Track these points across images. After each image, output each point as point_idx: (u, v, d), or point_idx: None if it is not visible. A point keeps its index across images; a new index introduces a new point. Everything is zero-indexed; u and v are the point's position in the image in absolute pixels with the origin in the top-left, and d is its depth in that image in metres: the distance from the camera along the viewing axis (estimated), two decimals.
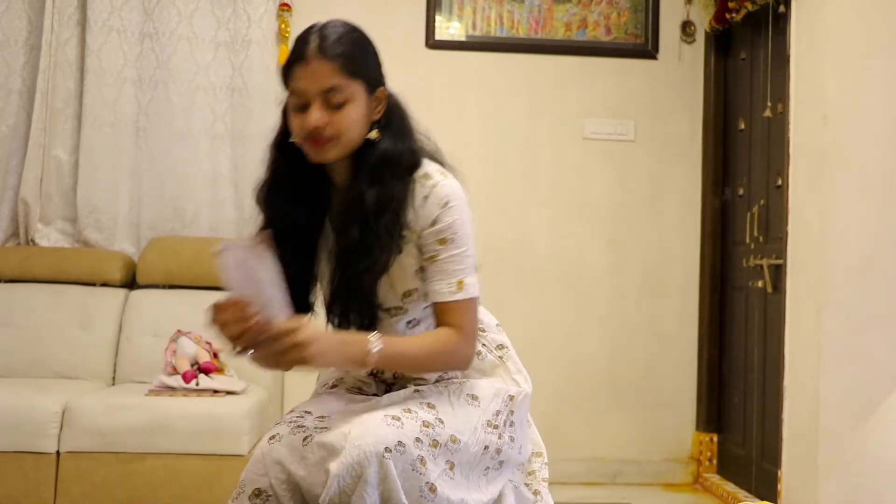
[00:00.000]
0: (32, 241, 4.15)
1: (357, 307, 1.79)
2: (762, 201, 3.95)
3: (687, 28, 4.49)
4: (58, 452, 3.28)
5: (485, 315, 1.97)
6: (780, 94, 3.67)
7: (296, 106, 1.75)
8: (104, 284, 4.06)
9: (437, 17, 4.40)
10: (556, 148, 4.44)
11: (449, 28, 4.43)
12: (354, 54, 1.75)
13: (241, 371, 3.77)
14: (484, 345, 1.93)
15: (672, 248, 4.48)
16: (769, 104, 3.83)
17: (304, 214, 1.82)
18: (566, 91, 4.46)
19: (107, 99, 4.17)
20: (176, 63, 4.23)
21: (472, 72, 4.38)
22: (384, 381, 1.90)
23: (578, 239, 4.45)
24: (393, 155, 1.77)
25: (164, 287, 4.10)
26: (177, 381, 3.46)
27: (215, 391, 3.47)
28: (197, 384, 3.46)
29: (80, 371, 3.83)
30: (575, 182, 4.43)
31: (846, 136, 3.18)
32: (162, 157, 4.23)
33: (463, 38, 4.43)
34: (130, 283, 4.15)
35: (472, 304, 1.79)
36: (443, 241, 1.76)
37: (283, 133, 1.84)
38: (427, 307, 1.86)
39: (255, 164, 4.35)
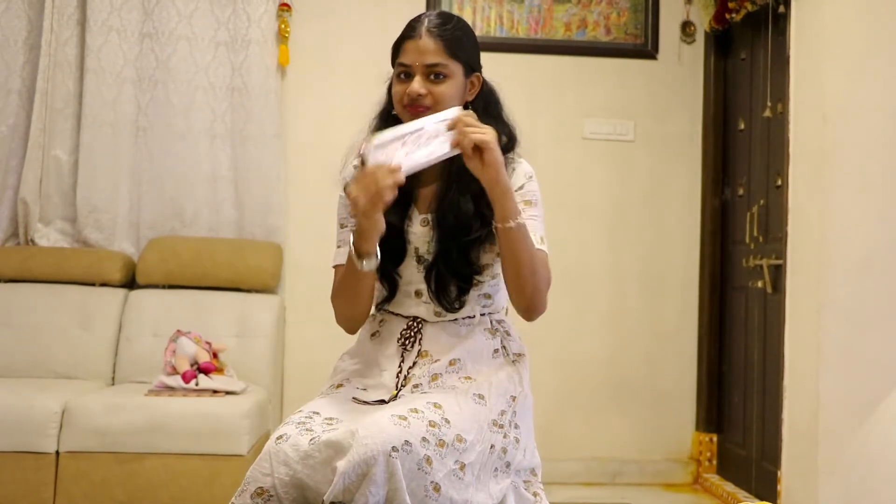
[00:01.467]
0: (32, 241, 4.15)
1: (458, 275, 1.91)
2: (762, 201, 3.95)
3: (687, 28, 4.49)
4: (57, 452, 3.28)
5: (512, 325, 2.05)
6: (780, 94, 3.67)
7: (400, 76, 1.93)
8: (104, 284, 4.06)
9: None
10: (556, 148, 4.44)
11: None
12: (458, 38, 1.94)
13: (241, 371, 3.77)
14: (504, 346, 1.99)
15: (672, 248, 4.48)
16: (769, 104, 3.83)
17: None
18: (566, 91, 4.46)
19: (106, 99, 4.17)
20: (175, 63, 4.23)
21: None
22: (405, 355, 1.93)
23: (578, 239, 4.45)
24: (497, 133, 1.88)
25: (163, 287, 4.10)
26: (176, 381, 3.46)
27: (215, 391, 3.47)
28: (196, 384, 3.46)
29: (79, 371, 3.83)
30: (574, 182, 4.43)
31: (846, 135, 3.18)
32: (161, 157, 4.23)
33: None
34: (130, 283, 4.15)
35: (547, 259, 1.91)
36: (528, 203, 1.92)
37: (387, 106, 2.04)
38: (495, 282, 1.97)
39: (255, 163, 4.40)
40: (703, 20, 4.42)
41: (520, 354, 2.01)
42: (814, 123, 3.27)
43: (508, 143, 1.99)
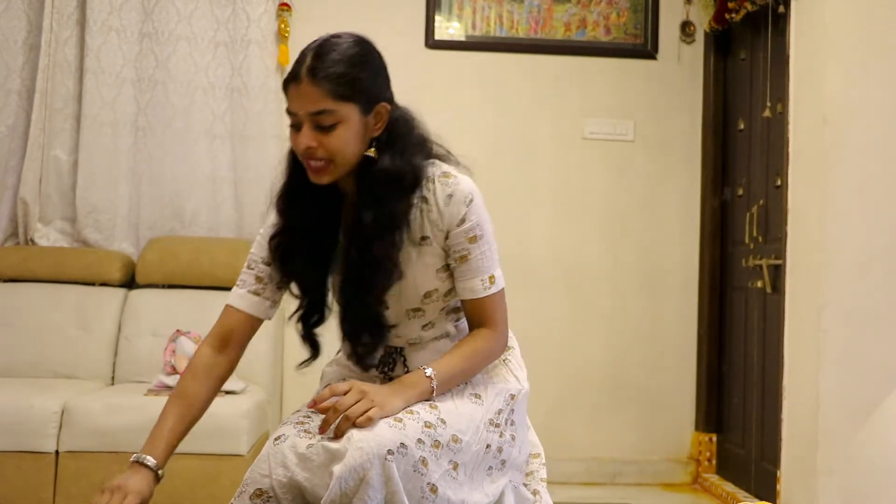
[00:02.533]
0: (32, 240, 4.15)
1: (366, 327, 1.82)
2: (761, 201, 3.95)
3: (686, 28, 4.49)
4: (57, 452, 3.27)
5: None
6: (780, 94, 3.67)
7: (291, 125, 1.75)
8: (103, 284, 4.06)
9: (437, 17, 4.40)
10: (556, 148, 4.44)
11: (448, 28, 4.43)
12: (348, 76, 1.70)
13: (240, 371, 3.76)
14: None
15: (671, 248, 4.48)
16: (769, 104, 3.83)
17: (317, 222, 1.84)
18: (566, 91, 4.46)
19: (106, 99, 4.17)
20: (175, 63, 4.23)
21: (472, 72, 4.38)
22: (391, 378, 1.89)
23: (578, 239, 4.45)
24: (392, 173, 1.75)
25: (163, 287, 4.10)
26: (176, 380, 3.45)
27: None
28: None
29: (79, 371, 3.83)
30: (574, 182, 4.43)
31: (845, 136, 3.18)
32: (161, 157, 4.23)
33: (462, 38, 4.43)
34: (129, 283, 4.15)
35: (502, 295, 1.86)
36: (472, 239, 1.79)
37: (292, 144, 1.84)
38: (443, 310, 1.88)
39: (254, 163, 4.39)
40: (702, 20, 4.42)
41: (510, 348, 1.99)
42: (813, 124, 3.27)
43: (413, 179, 1.77)
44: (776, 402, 3.54)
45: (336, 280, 1.88)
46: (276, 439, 1.71)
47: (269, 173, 4.22)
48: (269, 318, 1.94)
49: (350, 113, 1.71)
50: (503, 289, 1.86)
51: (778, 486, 3.46)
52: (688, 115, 4.49)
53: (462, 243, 1.79)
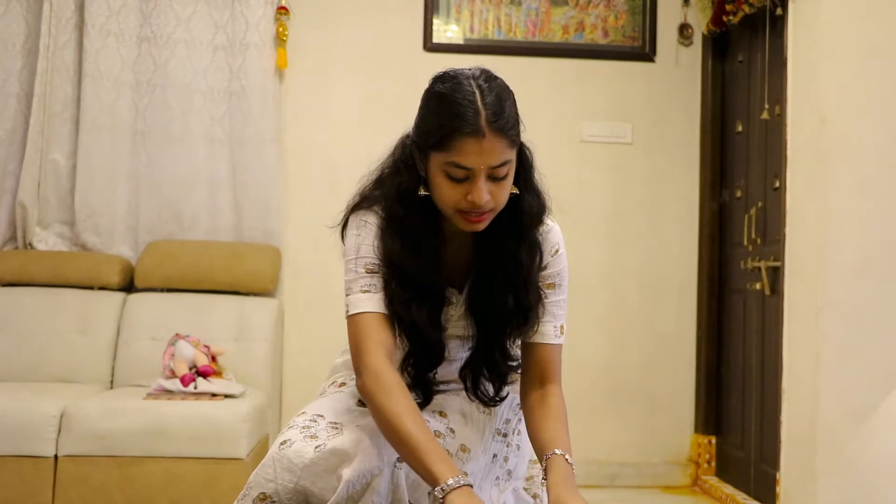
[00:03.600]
0: (30, 244, 4.15)
1: (495, 368, 1.79)
2: (760, 204, 3.95)
3: (684, 31, 4.49)
4: (56, 456, 3.27)
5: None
6: (778, 96, 3.68)
7: (452, 177, 1.61)
8: (102, 288, 4.05)
9: (435, 20, 4.41)
10: (554, 150, 4.44)
11: (447, 31, 4.44)
12: (517, 123, 1.66)
13: (240, 374, 3.77)
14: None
15: (670, 250, 4.48)
16: (767, 106, 3.83)
17: (435, 270, 1.73)
18: (564, 94, 4.47)
19: (104, 103, 4.17)
20: (174, 67, 4.23)
21: None
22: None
23: (576, 241, 4.44)
24: (537, 210, 1.75)
25: (162, 291, 4.10)
26: (175, 384, 3.46)
27: (213, 395, 3.46)
28: (195, 388, 3.45)
29: (78, 375, 3.83)
30: (573, 185, 4.43)
31: (844, 138, 3.19)
32: (160, 161, 4.22)
33: (461, 42, 4.44)
34: (128, 287, 4.15)
35: (562, 349, 1.81)
36: (551, 286, 1.78)
37: (405, 181, 1.71)
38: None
39: (253, 167, 4.40)
40: (700, 23, 4.43)
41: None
42: (811, 126, 3.27)
43: (538, 213, 1.76)
44: (775, 404, 3.54)
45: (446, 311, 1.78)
46: (281, 444, 1.67)
47: (268, 177, 4.24)
48: None
49: (514, 158, 1.66)
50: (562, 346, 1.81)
51: (777, 488, 3.46)
52: (686, 118, 4.50)
53: (542, 287, 1.77)
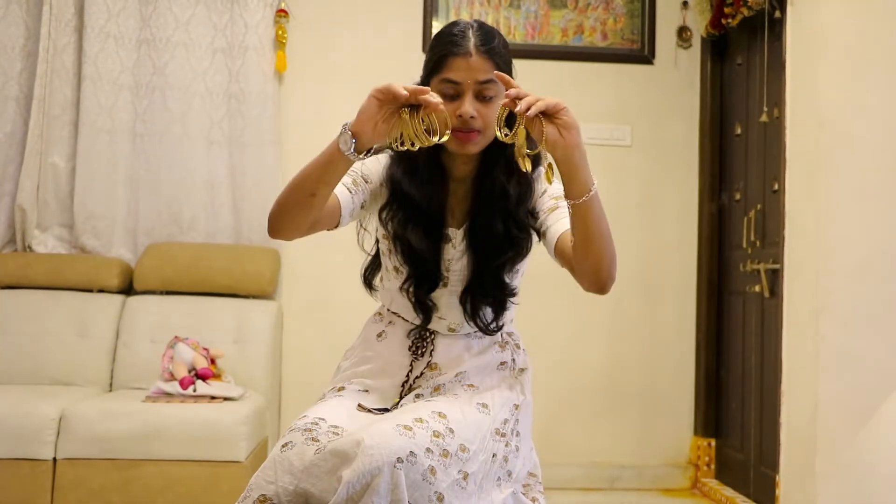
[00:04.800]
0: (29, 247, 4.15)
1: (492, 294, 1.91)
2: (759, 206, 3.95)
3: (683, 33, 4.50)
4: (54, 459, 3.27)
5: (520, 337, 2.06)
6: (777, 98, 3.68)
7: (445, 94, 1.81)
8: (101, 291, 4.05)
9: (434, 23, 4.41)
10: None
11: None
12: (505, 55, 1.87)
13: (239, 377, 3.77)
14: (514, 359, 2.00)
15: (669, 253, 4.48)
16: (765, 109, 3.84)
17: (438, 199, 1.90)
18: (562, 96, 4.35)
19: (104, 105, 4.17)
20: (173, 69, 4.23)
21: None
22: (408, 380, 1.93)
23: None
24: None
25: (161, 293, 4.10)
26: (174, 387, 3.45)
27: (212, 397, 3.46)
28: (194, 390, 3.45)
29: (76, 377, 3.83)
30: None
31: (842, 140, 3.19)
32: (159, 164, 4.22)
33: None
34: (127, 290, 4.14)
35: None
36: (558, 197, 1.91)
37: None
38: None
39: (252, 170, 4.39)
40: (699, 25, 4.43)
41: (524, 369, 2.01)
42: (810, 128, 3.28)
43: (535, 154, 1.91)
44: (775, 407, 3.54)
45: (446, 248, 1.92)
46: (283, 446, 1.70)
47: (267, 179, 4.25)
48: (335, 228, 1.90)
49: (500, 91, 1.81)
50: None
51: (777, 491, 3.46)
52: (685, 120, 4.50)
53: (547, 201, 1.91)
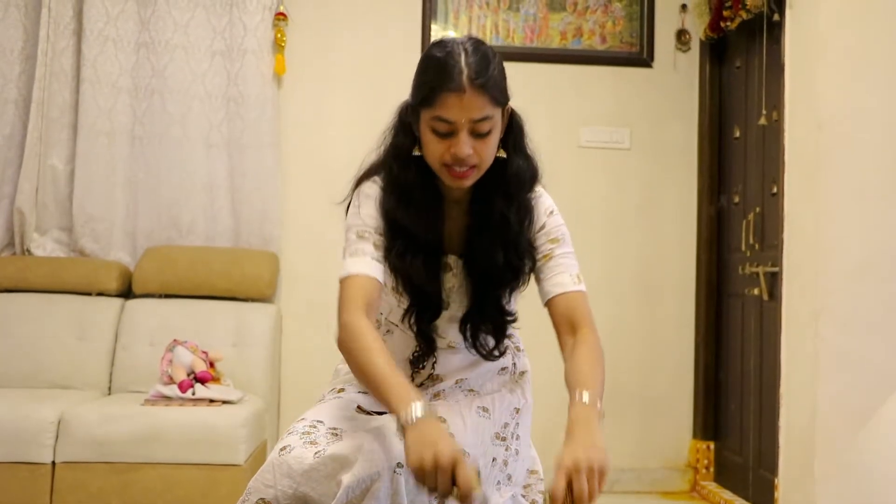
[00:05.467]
0: (28, 250, 4.15)
1: (492, 321, 1.86)
2: (758, 209, 3.95)
3: (682, 36, 4.50)
4: (53, 463, 3.27)
5: (521, 339, 2.05)
6: (776, 101, 3.68)
7: (437, 131, 1.72)
8: (100, 294, 4.05)
9: (433, 26, 4.41)
10: (552, 156, 4.37)
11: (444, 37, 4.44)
12: (500, 83, 1.76)
13: (238, 380, 3.76)
14: (514, 363, 1.99)
15: (668, 255, 4.48)
16: (764, 112, 3.84)
17: (434, 226, 1.83)
18: (562, 99, 4.47)
19: (102, 108, 4.17)
20: (172, 72, 4.23)
21: None
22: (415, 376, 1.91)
23: (575, 247, 4.43)
24: (525, 173, 1.84)
25: (160, 296, 4.09)
26: (173, 390, 3.45)
27: (211, 401, 3.46)
28: (193, 394, 3.45)
29: (75, 381, 3.82)
30: (571, 190, 4.43)
31: (841, 143, 3.19)
32: (158, 167, 4.22)
33: None
34: (126, 293, 4.14)
35: (587, 297, 1.84)
36: (554, 241, 1.86)
37: (406, 144, 1.81)
38: None
39: (251, 172, 4.39)
40: (698, 28, 4.44)
41: (524, 372, 2.01)
42: (809, 131, 3.28)
43: (534, 177, 1.88)
44: (774, 410, 3.54)
45: (447, 276, 1.86)
46: (281, 450, 1.69)
47: (266, 182, 4.25)
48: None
49: (498, 118, 1.76)
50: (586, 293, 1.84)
51: (776, 494, 3.46)
52: (684, 123, 4.50)
53: (545, 244, 1.86)
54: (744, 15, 3.94)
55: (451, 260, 1.86)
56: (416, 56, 4.54)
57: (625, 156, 4.48)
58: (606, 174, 4.48)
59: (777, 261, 3.57)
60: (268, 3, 4.27)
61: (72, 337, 3.90)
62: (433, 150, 1.74)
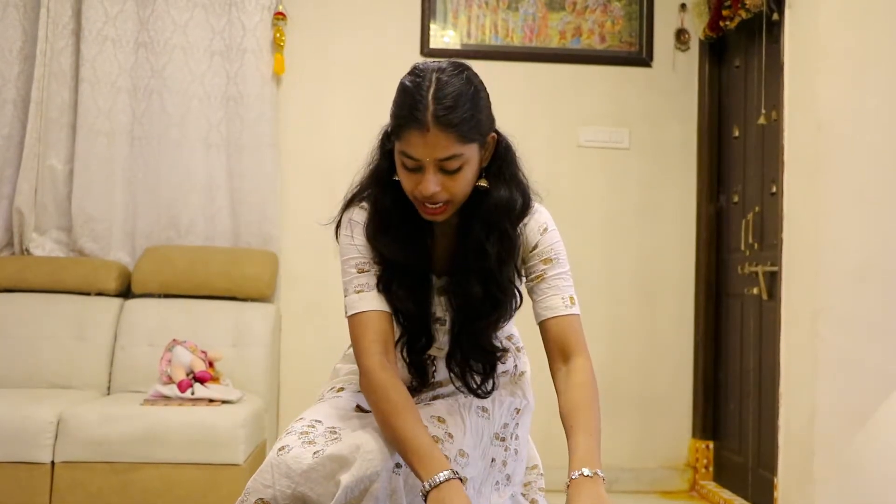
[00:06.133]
0: (27, 250, 4.14)
1: (479, 356, 1.81)
2: (757, 208, 3.95)
3: (681, 36, 4.50)
4: (52, 463, 3.26)
5: (520, 339, 2.04)
6: (775, 101, 3.68)
7: (406, 166, 1.68)
8: (99, 294, 4.05)
9: (432, 26, 4.41)
10: (551, 156, 4.44)
11: (444, 36, 4.44)
12: (472, 119, 1.66)
13: (237, 380, 3.76)
14: (515, 365, 1.98)
15: (667, 255, 4.48)
16: (763, 111, 3.84)
17: (417, 253, 1.78)
18: (561, 99, 4.47)
19: (101, 108, 4.17)
20: (171, 72, 4.23)
21: None
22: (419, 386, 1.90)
23: (573, 247, 4.39)
24: (508, 203, 1.77)
25: (159, 296, 4.09)
26: (172, 390, 3.45)
27: (211, 400, 3.46)
28: (192, 393, 3.45)
29: (74, 381, 3.82)
30: (570, 190, 4.43)
31: (840, 142, 3.19)
32: (157, 167, 4.22)
33: (458, 47, 4.44)
34: (125, 293, 4.14)
35: (580, 320, 1.81)
36: (547, 261, 1.80)
37: (387, 168, 1.77)
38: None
39: (250, 173, 4.39)
40: (697, 28, 4.44)
41: (524, 372, 2.00)
42: (808, 131, 3.28)
43: (523, 206, 1.80)
44: (773, 409, 3.54)
45: (436, 298, 1.83)
46: (279, 450, 1.68)
47: (265, 182, 4.25)
48: None
49: (472, 153, 1.68)
50: (580, 315, 1.81)
51: (775, 493, 3.46)
52: (683, 123, 4.50)
53: (537, 265, 1.80)
54: (743, 14, 3.94)
55: (445, 282, 1.82)
56: (415, 56, 4.58)
57: (624, 155, 4.48)
58: (605, 174, 4.48)
59: (776, 260, 3.57)
60: (267, 3, 4.27)
61: (71, 337, 3.89)
62: (405, 183, 1.70)
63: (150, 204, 4.22)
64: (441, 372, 1.90)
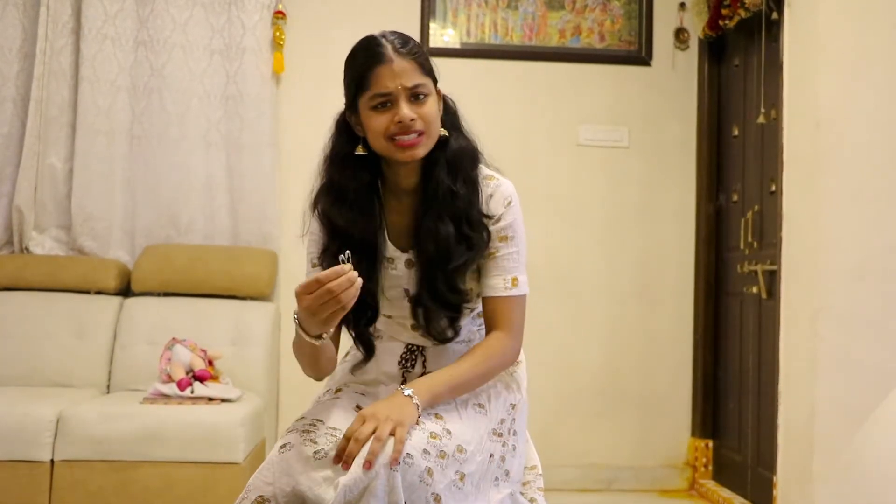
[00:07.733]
0: (27, 249, 4.15)
1: (446, 306, 1.85)
2: (756, 207, 3.96)
3: (680, 35, 4.50)
4: (52, 461, 3.26)
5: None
6: (774, 100, 3.69)
7: (378, 107, 1.78)
8: (99, 292, 4.05)
9: (432, 25, 4.41)
10: (551, 155, 4.44)
11: (443, 35, 4.44)
12: (424, 55, 1.83)
13: (236, 379, 3.77)
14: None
15: (666, 254, 4.49)
16: (763, 110, 3.84)
17: (369, 225, 1.85)
18: (560, 98, 4.47)
19: (101, 107, 4.17)
20: (170, 71, 4.23)
21: (467, 79, 4.39)
22: (406, 378, 1.93)
23: (573, 246, 4.45)
24: (466, 151, 1.88)
25: (158, 295, 4.09)
26: (172, 388, 3.45)
27: (210, 399, 3.46)
28: (192, 392, 3.45)
29: (74, 379, 3.82)
30: (569, 189, 4.44)
31: (839, 142, 3.19)
32: (156, 165, 4.22)
33: (457, 46, 4.44)
34: (125, 291, 4.14)
35: (522, 300, 1.88)
36: (503, 239, 1.86)
37: (346, 148, 1.88)
38: (472, 312, 1.93)
39: (250, 171, 4.39)
40: (696, 27, 4.44)
41: (517, 363, 2.01)
42: (807, 130, 3.28)
43: (470, 153, 1.90)
44: (772, 408, 3.54)
45: (407, 272, 1.88)
46: (281, 447, 1.70)
47: (265, 181, 4.25)
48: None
49: (431, 89, 1.82)
50: (525, 295, 1.88)
51: (774, 492, 3.47)
52: (682, 122, 4.51)
53: (493, 241, 1.85)
54: (742, 13, 3.95)
55: (396, 254, 1.89)
56: None
57: (623, 154, 4.49)
58: (605, 173, 4.48)
59: (776, 259, 3.58)
60: (266, 2, 4.27)
61: (70, 335, 3.90)
62: (377, 126, 1.78)
63: (149, 202, 4.22)
64: (433, 362, 1.92)
